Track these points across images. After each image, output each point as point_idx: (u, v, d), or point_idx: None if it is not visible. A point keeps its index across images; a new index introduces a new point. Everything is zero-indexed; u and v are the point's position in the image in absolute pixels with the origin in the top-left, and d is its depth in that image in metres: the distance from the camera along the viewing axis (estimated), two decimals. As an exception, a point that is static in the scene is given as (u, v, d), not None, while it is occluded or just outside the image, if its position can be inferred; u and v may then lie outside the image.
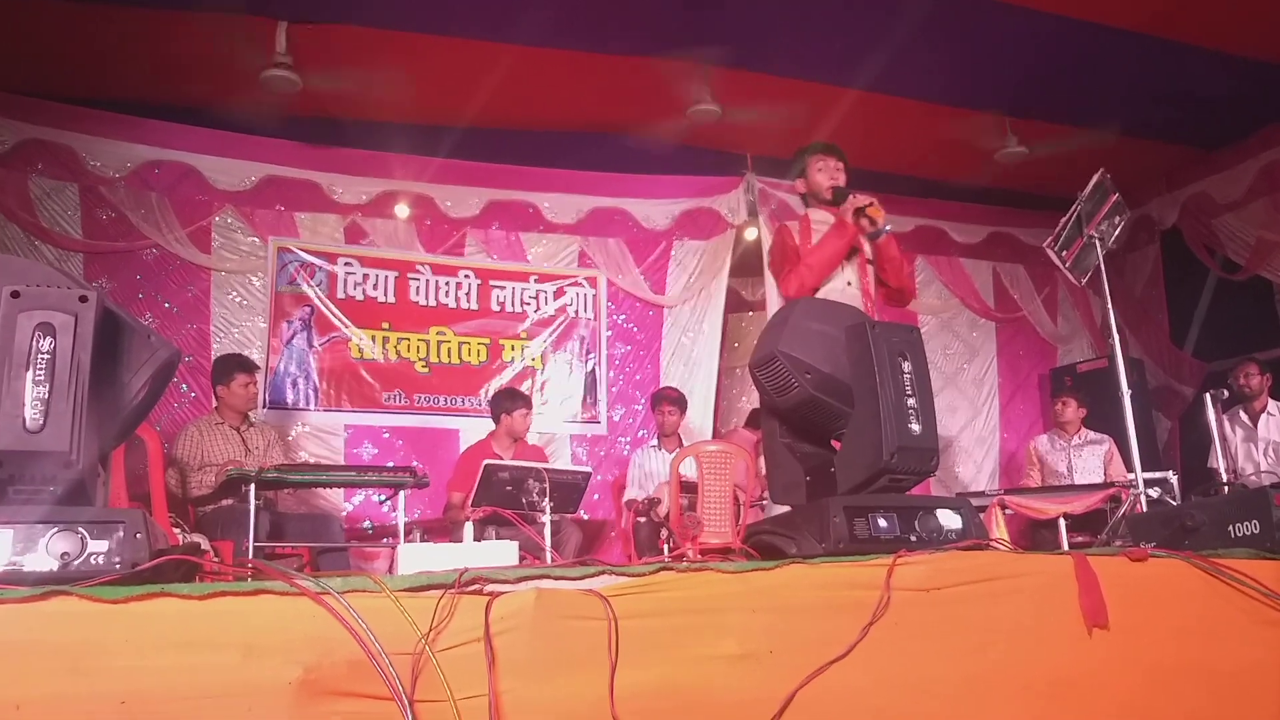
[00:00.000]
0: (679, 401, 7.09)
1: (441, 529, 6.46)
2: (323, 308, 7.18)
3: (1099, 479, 6.88)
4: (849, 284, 4.19)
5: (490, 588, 1.83)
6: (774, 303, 4.61)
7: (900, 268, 4.30)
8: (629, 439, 7.85)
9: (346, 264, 7.31)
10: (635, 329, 8.11)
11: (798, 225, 4.35)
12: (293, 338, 7.07)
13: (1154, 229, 8.98)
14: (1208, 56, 6.52)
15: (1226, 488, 5.27)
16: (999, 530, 5.50)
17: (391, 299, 7.40)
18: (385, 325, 7.34)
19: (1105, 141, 7.53)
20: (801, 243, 4.25)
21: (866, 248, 4.26)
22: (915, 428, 2.44)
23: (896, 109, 7.25)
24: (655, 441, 7.15)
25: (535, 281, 7.87)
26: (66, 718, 1.52)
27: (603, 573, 1.97)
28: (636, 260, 8.06)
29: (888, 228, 4.18)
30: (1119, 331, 4.94)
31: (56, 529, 1.74)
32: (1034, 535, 6.32)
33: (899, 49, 6.45)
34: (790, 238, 4.29)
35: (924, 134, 7.67)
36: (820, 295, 4.09)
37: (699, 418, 7.72)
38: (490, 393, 7.24)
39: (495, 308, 7.70)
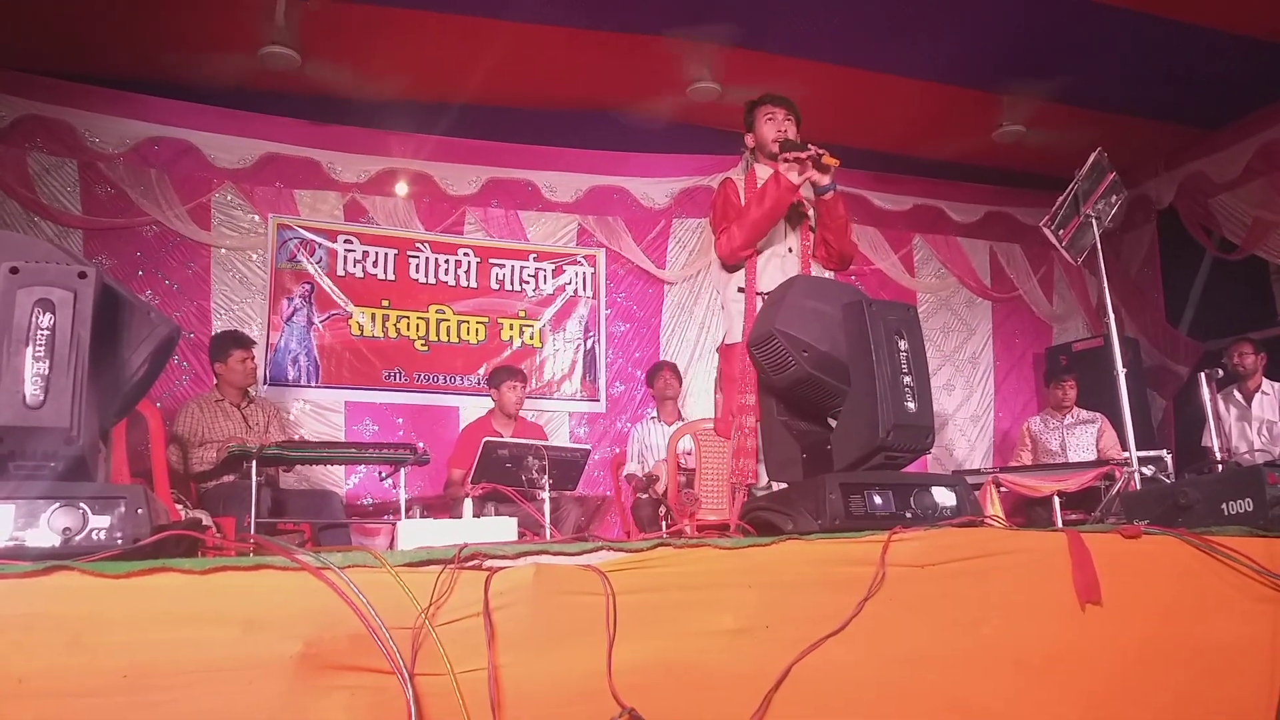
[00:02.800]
0: (676, 369, 7.12)
1: (441, 505, 6.48)
2: (323, 285, 7.18)
3: (1092, 457, 6.91)
4: (790, 250, 3.94)
5: (489, 563, 1.84)
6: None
7: (845, 227, 3.95)
8: (628, 416, 7.86)
9: (346, 241, 7.30)
10: (634, 307, 8.11)
11: (743, 180, 4.04)
12: (293, 315, 7.07)
13: (1150, 208, 8.97)
14: (1206, 35, 6.51)
15: (1220, 466, 5.29)
16: (993, 508, 5.52)
17: (391, 277, 7.40)
18: (385, 303, 7.34)
19: (1103, 120, 7.52)
20: (746, 199, 3.92)
21: (810, 211, 3.98)
22: (911, 405, 2.44)
23: (895, 87, 7.24)
24: (654, 413, 7.07)
25: (534, 260, 7.85)
26: (69, 691, 1.52)
27: (601, 548, 1.98)
28: (636, 238, 8.06)
29: (836, 186, 3.82)
30: (1114, 311, 4.92)
31: (58, 504, 1.74)
32: (1028, 513, 6.35)
33: (898, 27, 6.46)
34: (734, 193, 3.97)
35: (922, 113, 7.66)
36: (760, 262, 3.87)
37: (698, 396, 7.72)
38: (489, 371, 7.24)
39: (494, 286, 7.69)
